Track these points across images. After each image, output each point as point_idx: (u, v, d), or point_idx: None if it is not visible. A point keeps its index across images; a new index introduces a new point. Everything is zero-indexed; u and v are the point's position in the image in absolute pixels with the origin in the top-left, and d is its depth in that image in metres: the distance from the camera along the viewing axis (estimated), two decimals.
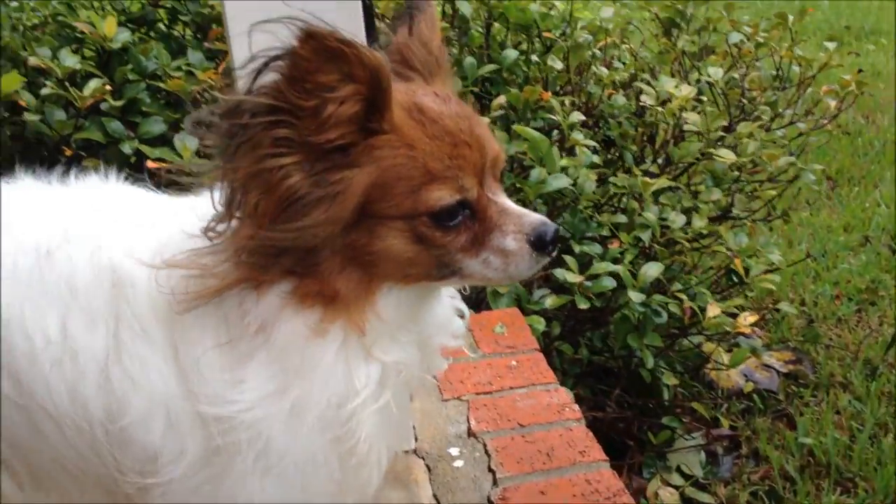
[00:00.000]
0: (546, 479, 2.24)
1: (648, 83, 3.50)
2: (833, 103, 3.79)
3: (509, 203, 1.52)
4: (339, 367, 1.44)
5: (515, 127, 3.15)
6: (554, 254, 1.52)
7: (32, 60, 3.18)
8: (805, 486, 3.18)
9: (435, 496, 2.22)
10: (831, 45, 3.92)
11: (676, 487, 3.22)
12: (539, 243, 1.47)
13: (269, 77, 1.28)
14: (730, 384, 3.76)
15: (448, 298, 1.70)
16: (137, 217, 1.56)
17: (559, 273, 2.89)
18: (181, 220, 1.46)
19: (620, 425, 3.36)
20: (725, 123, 3.57)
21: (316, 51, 1.26)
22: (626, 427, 3.37)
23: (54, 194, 1.61)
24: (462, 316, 1.73)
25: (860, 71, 4.05)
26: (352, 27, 1.85)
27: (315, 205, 1.34)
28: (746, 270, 3.21)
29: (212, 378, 1.42)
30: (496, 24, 3.73)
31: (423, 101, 1.46)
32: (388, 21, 3.41)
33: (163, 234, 1.47)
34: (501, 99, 3.31)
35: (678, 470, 3.31)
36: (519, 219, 1.49)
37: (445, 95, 1.51)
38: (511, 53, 3.53)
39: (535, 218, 1.49)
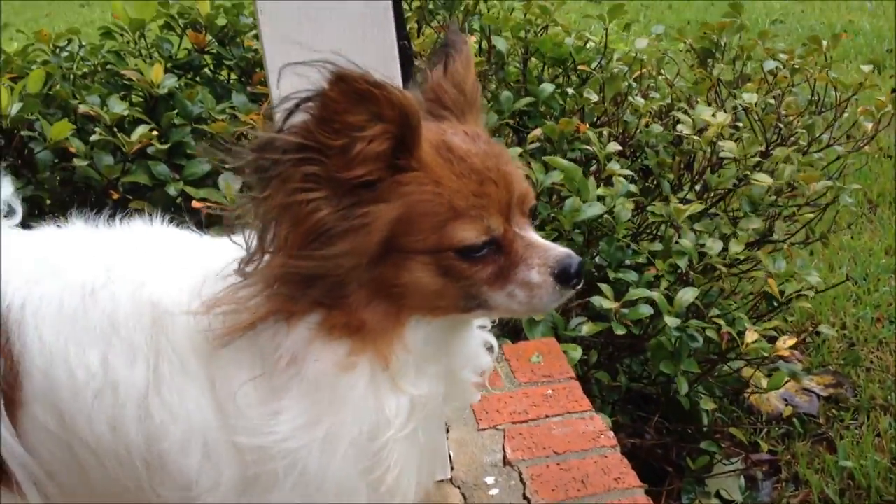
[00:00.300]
0: None
1: (685, 112, 3.55)
2: (869, 125, 3.80)
3: (536, 237, 1.56)
4: (370, 399, 1.50)
5: (547, 158, 3.21)
6: (579, 287, 1.55)
7: (82, 108, 3.32)
8: None
9: None
10: (867, 69, 3.94)
11: None
12: (563, 276, 1.51)
13: (300, 117, 1.36)
14: (770, 409, 3.77)
15: (478, 331, 1.74)
16: (178, 257, 1.65)
17: (596, 300, 2.94)
18: (219, 260, 1.53)
19: (659, 451, 3.38)
20: (762, 149, 3.60)
21: (345, 93, 1.33)
22: (665, 453, 3.39)
23: (102, 237, 1.70)
24: (491, 349, 1.76)
25: (894, 91, 4.07)
26: (387, 69, 1.93)
27: (341, 236, 1.41)
28: (781, 293, 3.22)
29: (248, 411, 1.49)
30: (533, 59, 3.81)
31: (453, 139, 1.52)
32: (424, 59, 3.53)
33: (201, 273, 1.55)
34: (538, 131, 3.39)
35: (717, 495, 3.33)
36: (544, 252, 1.53)
37: (475, 134, 1.57)
38: (547, 87, 3.62)
39: (560, 251, 1.53)
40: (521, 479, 2.40)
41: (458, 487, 2.40)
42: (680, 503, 3.29)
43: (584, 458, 2.46)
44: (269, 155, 1.36)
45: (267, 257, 1.45)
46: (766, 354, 3.10)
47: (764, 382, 3.48)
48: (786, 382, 3.26)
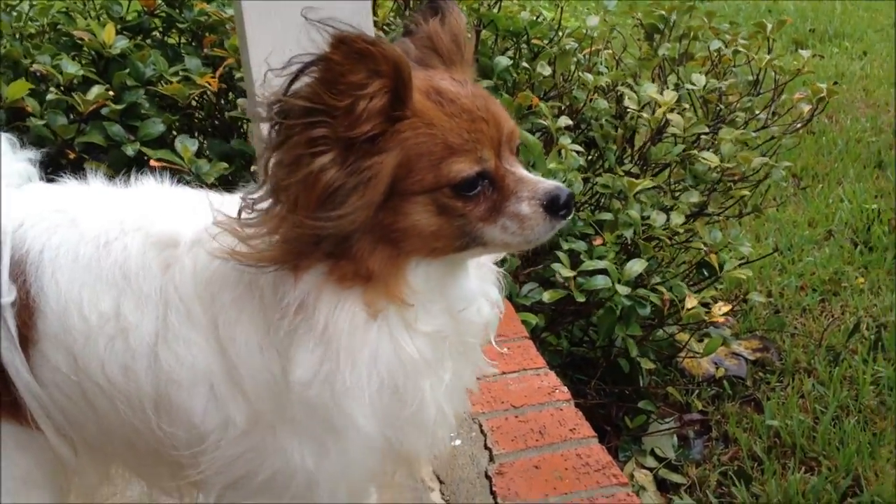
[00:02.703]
0: (539, 455, 2.42)
1: (630, 87, 3.68)
2: (806, 108, 3.95)
3: (525, 173, 1.60)
4: (385, 342, 1.55)
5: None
6: (569, 217, 1.61)
7: (36, 67, 3.31)
8: (772, 465, 3.35)
9: (435, 473, 2.39)
10: (805, 53, 4.11)
11: (650, 469, 3.39)
12: (552, 207, 1.56)
13: (301, 82, 1.39)
14: (701, 371, 3.93)
15: (477, 283, 1.76)
16: (186, 205, 1.69)
17: (556, 267, 3.05)
18: (225, 209, 1.58)
19: (601, 412, 3.53)
20: (706, 129, 3.74)
21: (347, 54, 1.37)
22: (605, 414, 3.54)
23: (117, 193, 1.76)
24: (491, 299, 1.79)
25: (836, 83, 4.23)
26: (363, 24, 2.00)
27: (350, 193, 1.44)
28: (721, 265, 3.38)
29: (250, 356, 1.55)
30: (485, 31, 3.89)
31: (441, 84, 1.56)
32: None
33: (206, 220, 1.58)
34: None
35: (652, 453, 3.47)
36: (534, 185, 1.57)
37: (462, 79, 1.61)
38: (503, 60, 3.68)
39: (549, 184, 1.58)
40: (482, 431, 2.52)
41: None
42: (617, 460, 3.43)
43: (540, 411, 2.59)
44: (276, 118, 1.41)
45: (270, 205, 1.49)
46: (704, 319, 3.26)
47: (697, 347, 3.67)
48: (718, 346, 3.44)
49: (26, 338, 1.60)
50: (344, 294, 1.52)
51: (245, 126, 3.74)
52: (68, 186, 1.78)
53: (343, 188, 1.45)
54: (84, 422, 1.68)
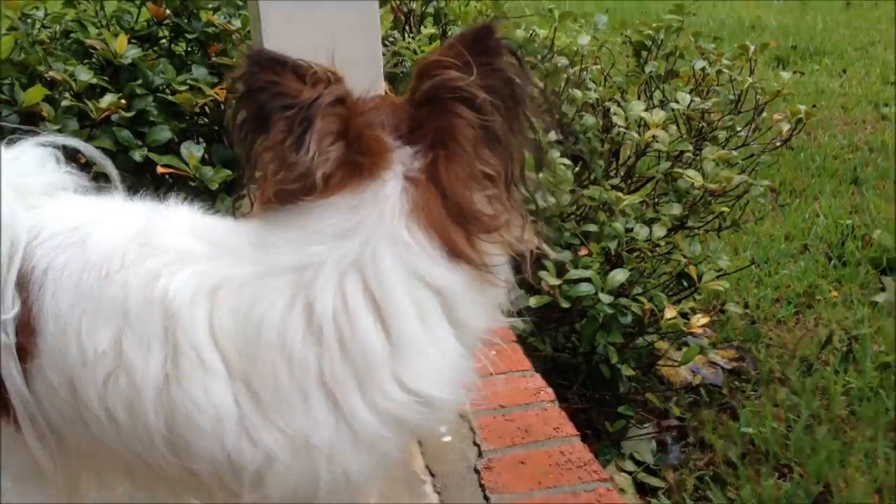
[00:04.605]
0: (525, 451, 2.57)
1: (618, 104, 3.84)
2: (785, 128, 4.13)
3: None
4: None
5: None
6: None
7: (52, 74, 3.44)
8: (746, 471, 3.45)
9: (427, 467, 2.53)
10: (786, 75, 4.29)
11: (630, 473, 3.49)
12: None
13: None
14: (678, 379, 4.05)
15: None
16: (196, 252, 1.59)
17: (542, 275, 3.19)
18: (239, 259, 1.54)
19: (582, 416, 3.67)
20: (689, 147, 3.90)
21: None
22: (586, 418, 3.68)
23: (130, 217, 1.68)
24: None
25: (814, 105, 4.41)
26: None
27: None
28: (699, 276, 3.54)
29: (300, 400, 1.49)
30: None
31: None
32: None
33: (218, 276, 1.53)
34: None
35: (631, 457, 3.58)
36: None
37: None
38: None
39: None
40: (471, 429, 2.67)
41: None
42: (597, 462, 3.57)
43: (526, 410, 2.74)
44: None
45: None
46: (683, 329, 3.41)
47: (675, 355, 3.81)
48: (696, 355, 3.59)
49: (26, 350, 1.57)
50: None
51: None
52: (90, 202, 1.76)
53: None
54: (73, 439, 1.65)
